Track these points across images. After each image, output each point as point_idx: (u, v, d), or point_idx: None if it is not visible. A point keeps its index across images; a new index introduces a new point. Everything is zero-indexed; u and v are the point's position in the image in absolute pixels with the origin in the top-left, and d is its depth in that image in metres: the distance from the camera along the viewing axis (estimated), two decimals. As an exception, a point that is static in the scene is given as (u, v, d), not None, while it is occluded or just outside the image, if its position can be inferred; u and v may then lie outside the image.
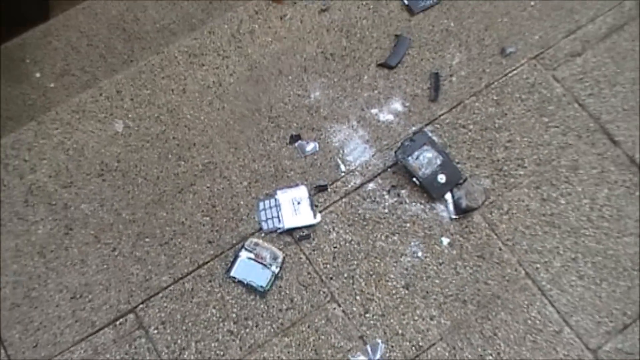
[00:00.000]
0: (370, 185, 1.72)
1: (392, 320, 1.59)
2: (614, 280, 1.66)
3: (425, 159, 1.71)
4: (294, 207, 1.68)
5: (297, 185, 1.71)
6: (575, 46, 1.91)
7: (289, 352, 1.56)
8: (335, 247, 1.66)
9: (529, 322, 1.61)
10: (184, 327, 1.58)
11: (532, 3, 1.95)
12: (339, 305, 1.61)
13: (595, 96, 1.85)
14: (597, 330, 1.61)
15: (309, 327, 1.58)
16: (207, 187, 1.72)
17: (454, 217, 1.70)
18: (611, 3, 1.96)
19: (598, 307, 1.63)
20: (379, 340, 1.57)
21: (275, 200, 1.69)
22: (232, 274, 1.62)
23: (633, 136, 1.80)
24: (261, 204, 1.69)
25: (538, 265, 1.66)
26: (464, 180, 1.72)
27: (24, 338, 1.58)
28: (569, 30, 1.92)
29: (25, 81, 2.00)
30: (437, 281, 1.64)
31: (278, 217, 1.67)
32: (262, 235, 1.66)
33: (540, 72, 1.87)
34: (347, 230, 1.67)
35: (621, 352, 1.59)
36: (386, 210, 1.70)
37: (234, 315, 1.59)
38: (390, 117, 1.80)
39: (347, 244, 1.66)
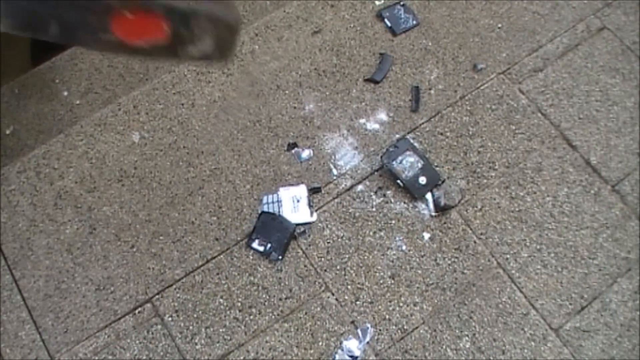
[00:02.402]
0: (360, 187, 1.67)
1: (380, 307, 1.54)
2: (572, 268, 1.61)
3: (407, 163, 1.66)
4: (293, 205, 1.61)
5: (297, 184, 1.65)
6: (537, 63, 1.86)
7: (288, 337, 1.50)
8: (328, 242, 1.60)
9: (500, 306, 1.56)
10: (195, 315, 1.52)
11: (500, 25, 1.91)
12: (333, 294, 1.55)
13: (556, 106, 1.80)
14: (559, 311, 1.57)
15: (306, 314, 1.52)
16: (214, 190, 1.65)
17: (433, 214, 1.64)
18: (567, 25, 1.92)
19: (559, 292, 1.59)
20: (369, 325, 1.52)
21: (277, 196, 1.62)
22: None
23: (588, 141, 1.77)
24: (264, 198, 1.63)
25: (508, 256, 1.61)
26: (443, 182, 1.67)
27: (55, 325, 1.52)
28: (532, 49, 1.88)
29: (54, 99, 1.94)
30: (419, 271, 1.58)
31: (279, 212, 1.60)
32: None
33: (508, 86, 1.82)
34: (339, 227, 1.61)
35: (579, 330, 1.55)
36: (374, 209, 1.64)
37: (239, 304, 1.53)
38: (377, 126, 1.74)
39: (339, 239, 1.60)
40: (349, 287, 1.56)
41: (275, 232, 1.57)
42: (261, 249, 1.57)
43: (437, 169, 1.68)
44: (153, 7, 0.64)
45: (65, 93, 1.94)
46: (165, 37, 0.67)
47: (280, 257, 1.56)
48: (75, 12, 0.64)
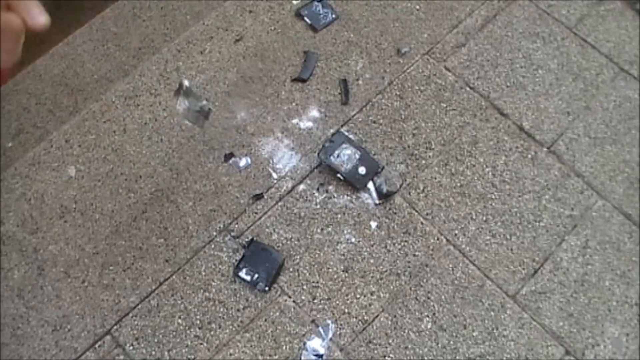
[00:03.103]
0: (301, 187, 1.67)
1: (337, 302, 1.55)
2: (520, 234, 1.64)
3: (345, 156, 1.67)
4: None
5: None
6: (459, 38, 1.89)
7: (251, 346, 1.50)
8: (278, 246, 1.60)
9: (456, 282, 1.58)
10: (155, 340, 1.51)
11: (417, 7, 1.93)
12: (289, 297, 1.55)
13: (482, 78, 1.84)
14: (513, 278, 1.59)
15: (265, 320, 1.53)
16: (157, 212, 1.64)
17: (377, 202, 1.65)
18: (483, -2, 1.97)
19: (511, 259, 1.61)
20: (329, 321, 1.53)
21: None
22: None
23: (518, 107, 1.80)
24: None
25: (456, 232, 1.64)
26: (382, 169, 1.68)
27: (17, 373, 1.50)
28: (452, 26, 1.91)
29: (-14, 146, 1.90)
30: (371, 261, 1.59)
31: None
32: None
33: (433, 65, 1.85)
34: (287, 229, 1.62)
35: (535, 293, 1.58)
36: (318, 206, 1.65)
37: (198, 321, 1.52)
38: (310, 124, 1.75)
39: (288, 242, 1.61)
40: (305, 287, 1.56)
41: (264, 263, 1.55)
42: (248, 278, 1.55)
43: (375, 157, 1.70)
44: None
45: (-4, 138, 1.92)
46: None
47: (267, 289, 1.54)
48: None
